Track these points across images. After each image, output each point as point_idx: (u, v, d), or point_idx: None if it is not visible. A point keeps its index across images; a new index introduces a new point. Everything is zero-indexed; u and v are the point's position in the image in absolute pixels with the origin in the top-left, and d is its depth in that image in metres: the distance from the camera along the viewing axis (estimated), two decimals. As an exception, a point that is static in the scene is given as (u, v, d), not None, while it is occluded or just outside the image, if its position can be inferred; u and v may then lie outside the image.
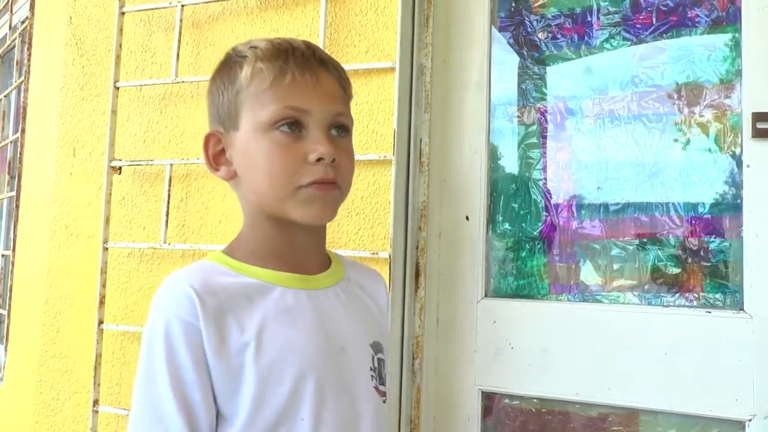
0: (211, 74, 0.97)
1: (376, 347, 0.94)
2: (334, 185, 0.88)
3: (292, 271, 0.91)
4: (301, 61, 0.90)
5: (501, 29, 1.53)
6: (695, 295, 1.31)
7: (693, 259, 1.32)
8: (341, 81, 0.94)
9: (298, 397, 0.83)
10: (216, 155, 0.94)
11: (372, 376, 0.91)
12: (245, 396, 0.81)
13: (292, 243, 0.92)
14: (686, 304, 1.31)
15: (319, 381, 0.85)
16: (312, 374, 0.84)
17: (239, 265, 0.89)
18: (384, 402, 0.93)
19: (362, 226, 1.41)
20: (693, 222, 1.33)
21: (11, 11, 2.85)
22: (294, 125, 0.88)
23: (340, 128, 0.92)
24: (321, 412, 0.84)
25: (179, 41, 1.61)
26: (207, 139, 0.94)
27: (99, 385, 1.59)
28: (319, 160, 0.86)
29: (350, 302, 0.96)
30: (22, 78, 2.26)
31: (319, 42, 1.45)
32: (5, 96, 2.86)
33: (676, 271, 1.34)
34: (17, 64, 2.67)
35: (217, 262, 0.90)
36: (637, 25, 1.41)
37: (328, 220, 0.92)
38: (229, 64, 0.93)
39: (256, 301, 0.86)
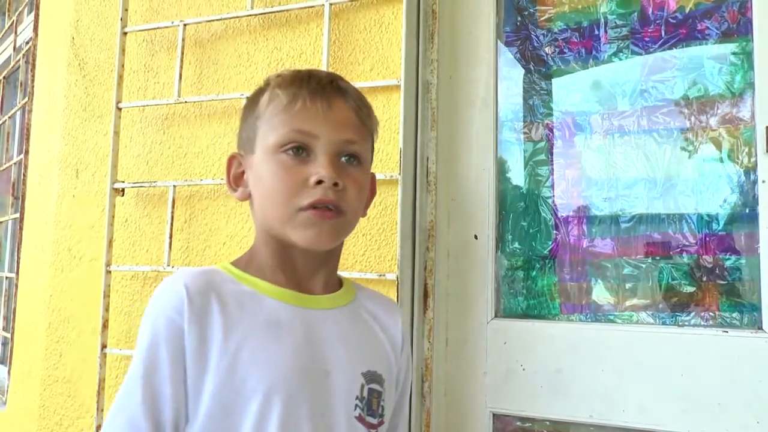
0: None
1: (371, 377, 0.92)
2: (334, 212, 0.89)
3: (295, 289, 0.93)
4: (315, 88, 0.91)
5: (507, 44, 1.51)
6: (711, 314, 1.28)
7: (708, 277, 1.29)
8: (359, 112, 0.94)
9: (265, 413, 0.83)
10: (237, 177, 0.97)
11: (357, 405, 0.89)
12: (204, 400, 0.83)
13: (297, 264, 0.93)
14: (702, 323, 1.28)
15: (290, 400, 0.84)
16: (282, 392, 0.84)
17: (241, 274, 0.92)
18: None
19: (369, 248, 1.39)
20: (707, 239, 1.30)
21: (15, 32, 2.86)
22: (301, 149, 0.89)
23: (351, 157, 0.92)
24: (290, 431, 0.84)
25: (182, 61, 1.59)
26: (230, 161, 0.98)
27: (102, 410, 1.56)
28: (319, 182, 0.87)
29: (351, 328, 0.95)
30: (26, 99, 2.25)
31: (322, 59, 1.43)
32: (9, 117, 2.86)
33: (691, 289, 1.30)
34: (21, 85, 2.67)
35: (222, 268, 0.93)
36: (646, 38, 1.39)
37: (329, 246, 0.92)
38: (257, 91, 0.97)
39: (248, 308, 0.88)
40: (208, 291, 0.87)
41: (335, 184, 0.87)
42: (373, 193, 1.04)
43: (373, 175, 1.03)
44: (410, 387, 1.09)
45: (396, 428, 1.06)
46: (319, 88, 0.91)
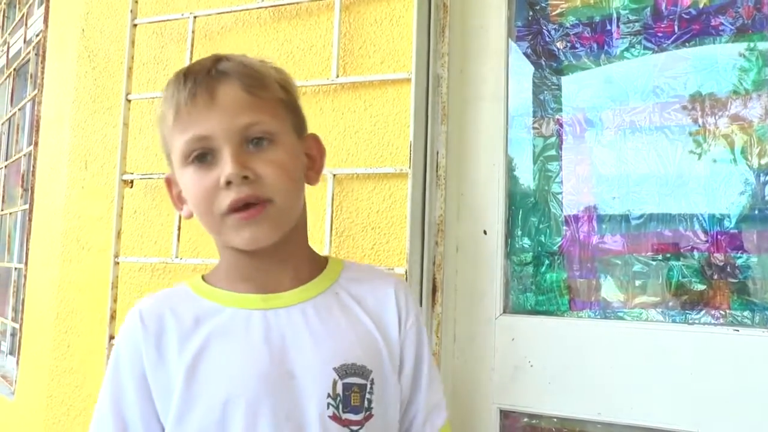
0: None
1: (347, 370, 0.87)
2: (259, 205, 0.85)
3: (259, 291, 0.90)
4: (193, 85, 0.86)
5: (518, 39, 1.50)
6: (722, 312, 1.27)
7: (719, 275, 1.28)
8: (250, 87, 0.87)
9: (225, 422, 0.83)
10: (179, 195, 0.95)
11: (329, 404, 0.85)
12: (171, 416, 0.85)
13: (255, 265, 0.91)
14: (712, 322, 1.27)
15: (252, 406, 0.83)
16: (242, 399, 0.83)
17: (205, 288, 0.93)
18: (356, 431, 0.86)
19: (377, 241, 1.38)
20: (718, 237, 1.28)
21: (26, 25, 2.86)
22: (204, 154, 0.86)
23: (259, 139, 0.86)
24: None
25: (191, 53, 1.59)
26: (167, 183, 0.97)
27: (109, 401, 1.56)
28: (228, 183, 0.84)
29: (322, 320, 0.90)
30: (36, 91, 2.26)
31: (333, 52, 1.43)
32: (20, 109, 2.87)
33: (702, 287, 1.29)
34: (32, 77, 2.68)
35: (188, 284, 0.95)
36: (659, 34, 1.37)
37: (273, 239, 0.88)
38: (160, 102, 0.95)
39: (204, 323, 0.88)
40: (163, 313, 0.89)
41: (245, 178, 0.83)
42: (320, 153, 0.99)
43: (314, 136, 0.98)
44: (427, 360, 1.00)
45: (430, 409, 1.01)
46: (197, 83, 0.86)
